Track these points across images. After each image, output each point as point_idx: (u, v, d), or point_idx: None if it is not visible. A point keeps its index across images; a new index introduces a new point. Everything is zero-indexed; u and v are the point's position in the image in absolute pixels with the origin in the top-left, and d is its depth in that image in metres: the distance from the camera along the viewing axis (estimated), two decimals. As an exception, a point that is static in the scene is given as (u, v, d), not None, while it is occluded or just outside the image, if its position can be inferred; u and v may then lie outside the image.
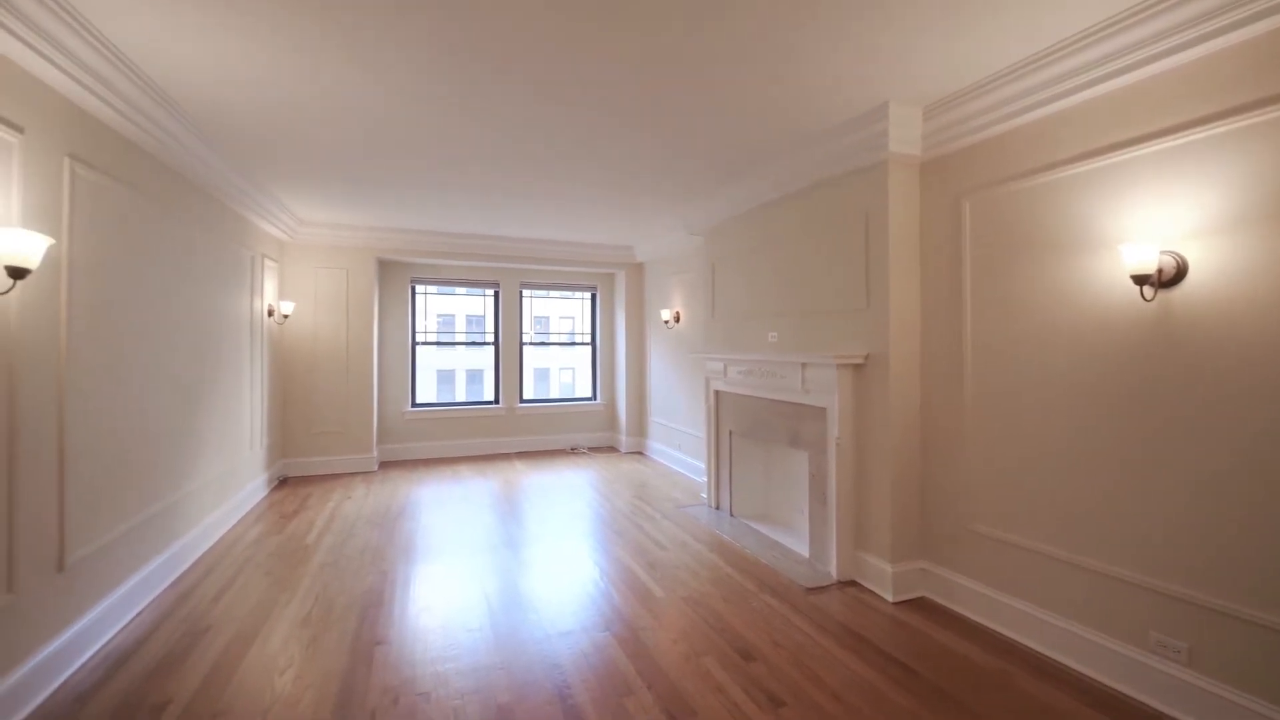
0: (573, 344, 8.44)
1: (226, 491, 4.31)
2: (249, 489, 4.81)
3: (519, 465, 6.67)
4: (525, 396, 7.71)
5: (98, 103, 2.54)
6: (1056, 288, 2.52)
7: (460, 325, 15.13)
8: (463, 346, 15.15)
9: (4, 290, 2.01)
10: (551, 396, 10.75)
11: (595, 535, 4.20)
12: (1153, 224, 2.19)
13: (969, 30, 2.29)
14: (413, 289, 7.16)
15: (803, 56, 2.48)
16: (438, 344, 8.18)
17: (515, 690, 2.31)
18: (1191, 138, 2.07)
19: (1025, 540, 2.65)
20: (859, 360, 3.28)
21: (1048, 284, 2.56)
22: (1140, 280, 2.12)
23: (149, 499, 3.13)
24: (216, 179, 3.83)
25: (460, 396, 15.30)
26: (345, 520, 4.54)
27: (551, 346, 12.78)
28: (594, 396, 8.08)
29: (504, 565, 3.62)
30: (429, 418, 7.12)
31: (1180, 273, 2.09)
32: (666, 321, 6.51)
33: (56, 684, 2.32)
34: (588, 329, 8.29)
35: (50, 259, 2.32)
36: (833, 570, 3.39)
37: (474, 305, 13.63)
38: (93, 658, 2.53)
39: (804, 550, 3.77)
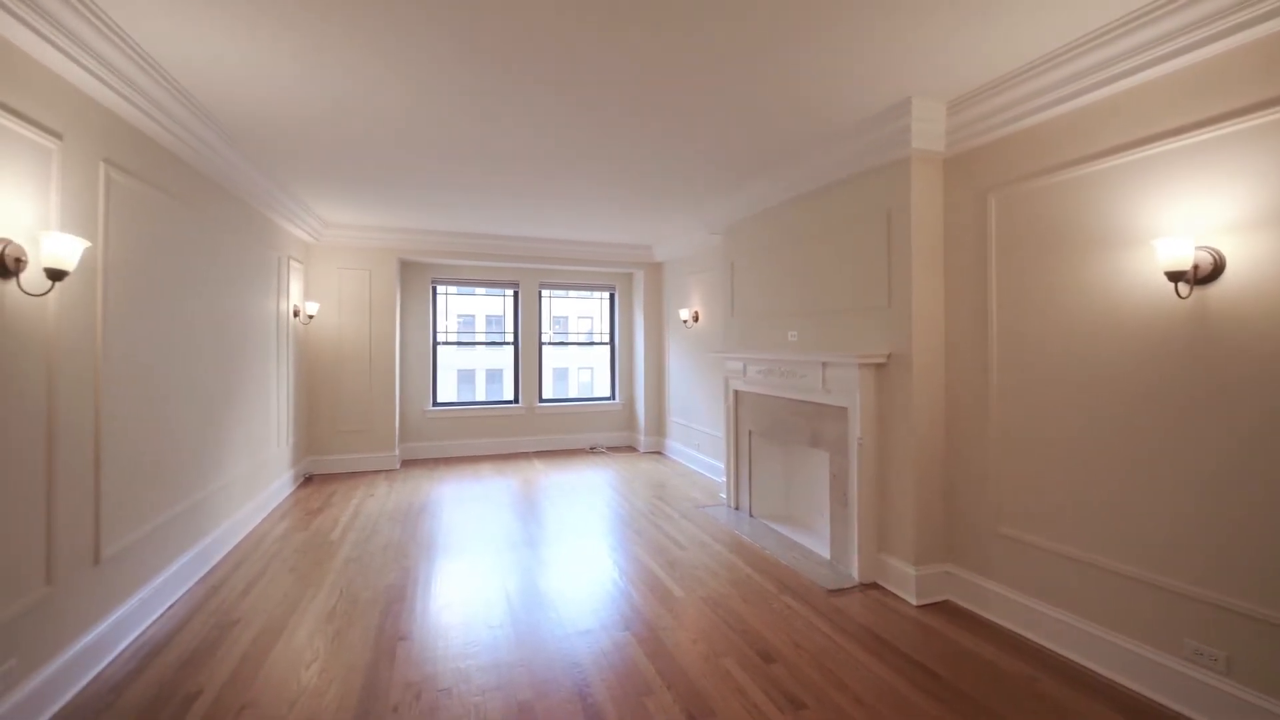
0: (591, 344, 8.47)
1: (254, 488, 4.41)
2: (275, 486, 4.91)
3: (538, 464, 6.71)
4: (544, 396, 7.75)
5: (132, 109, 2.62)
6: (1087, 284, 2.46)
7: (480, 325, 15.28)
8: (482, 346, 15.29)
9: (43, 292, 2.08)
10: (570, 396, 10.79)
11: (614, 534, 4.21)
12: (1188, 218, 2.12)
13: (998, 21, 2.24)
14: (433, 289, 7.25)
15: (825, 52, 2.46)
16: (458, 344, 8.27)
17: (536, 688, 2.32)
18: (1230, 129, 2.00)
19: (1054, 544, 2.58)
20: (881, 359, 3.24)
21: (1078, 280, 2.49)
22: (1175, 276, 2.05)
23: (180, 495, 3.22)
24: (244, 183, 3.92)
25: (480, 396, 15.46)
26: (368, 517, 4.61)
27: (570, 346, 12.83)
28: (613, 396, 8.10)
29: (524, 563, 3.65)
30: (450, 417, 7.20)
31: (1217, 268, 2.02)
32: (685, 321, 6.49)
33: (93, 674, 2.40)
34: (606, 329, 8.31)
35: (86, 261, 2.39)
36: (854, 572, 3.35)
37: (493, 305, 13.74)
38: (127, 648, 2.61)
39: (825, 552, 3.73)
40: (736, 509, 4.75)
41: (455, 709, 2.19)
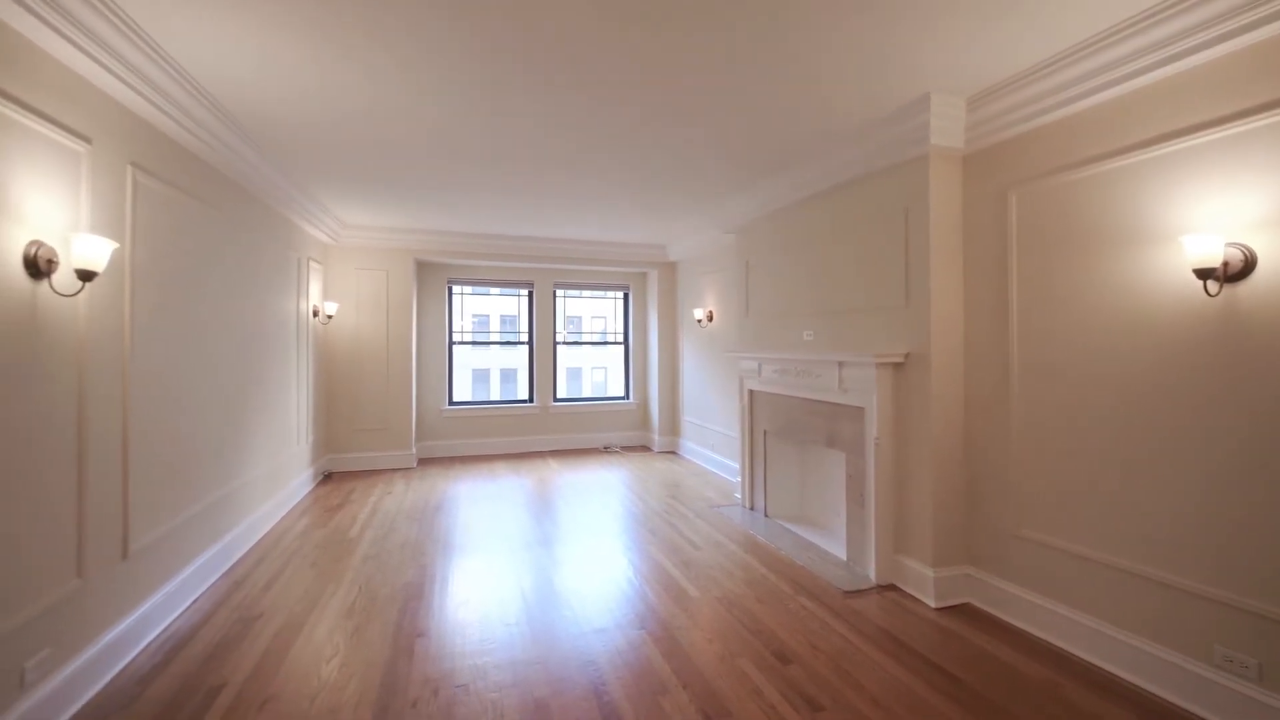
0: (605, 343, 8.48)
1: (275, 485, 4.48)
2: (295, 483, 4.99)
3: (553, 463, 6.74)
4: (559, 396, 7.78)
5: (157, 113, 2.67)
6: (1111, 282, 2.41)
7: (495, 325, 15.38)
8: (497, 346, 15.38)
9: (74, 292, 2.13)
10: (584, 396, 10.83)
11: (629, 533, 4.21)
12: (1217, 214, 2.07)
13: (1021, 13, 2.20)
14: (449, 289, 7.31)
15: (844, 49, 2.43)
16: (473, 344, 8.33)
17: (552, 685, 2.34)
18: (1262, 122, 1.95)
19: (1077, 546, 2.54)
20: (898, 359, 3.20)
21: (1101, 278, 2.45)
22: (1204, 274, 2.01)
23: (204, 491, 3.28)
24: (266, 185, 3.99)
25: (495, 395, 15.56)
26: (386, 515, 4.66)
27: (584, 346, 12.86)
28: (627, 396, 8.11)
29: (539, 561, 3.67)
30: (465, 416, 7.25)
31: (1248, 266, 1.97)
32: (699, 320, 6.48)
33: (121, 665, 2.45)
34: (620, 328, 8.32)
35: (114, 262, 2.45)
36: (871, 574, 3.32)
37: (508, 305, 13.83)
38: (153, 641, 2.66)
39: (841, 553, 3.70)
40: (751, 509, 4.73)
41: (473, 705, 2.20)
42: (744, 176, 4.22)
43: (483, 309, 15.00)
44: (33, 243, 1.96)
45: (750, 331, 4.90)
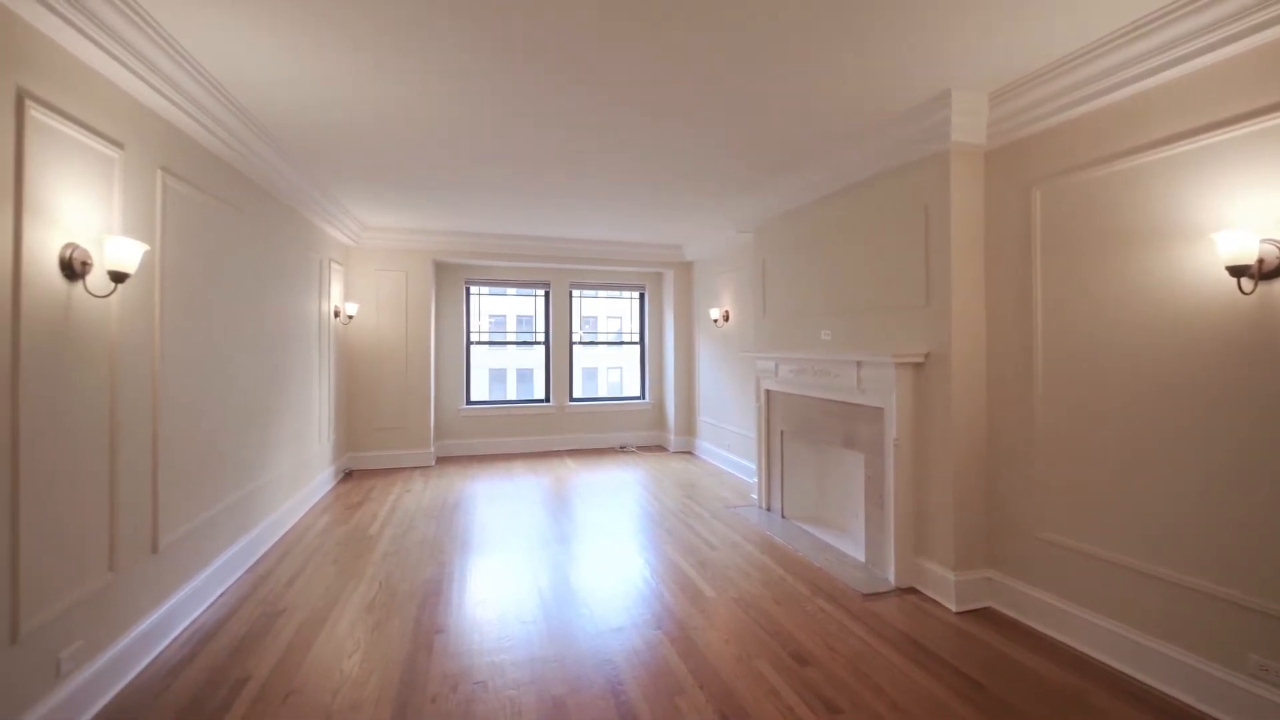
0: (621, 343, 8.49)
1: (297, 483, 4.56)
2: (317, 481, 5.08)
3: (569, 463, 6.77)
4: (575, 395, 7.81)
5: (186, 119, 2.74)
6: (1139, 279, 2.35)
7: (511, 325, 15.48)
8: (514, 346, 15.49)
9: (107, 293, 2.19)
10: (600, 395, 10.85)
11: (645, 533, 4.21)
12: (1251, 210, 2.01)
13: (1043, 4, 2.16)
14: (467, 290, 7.38)
15: (865, 46, 2.41)
16: (490, 343, 8.40)
17: (569, 683, 2.35)
18: (1299, 115, 1.89)
19: (1102, 550, 2.48)
20: (918, 359, 3.16)
21: (1129, 275, 2.39)
22: (1237, 271, 1.95)
23: (230, 488, 3.35)
24: (289, 188, 4.06)
25: (512, 395, 15.67)
26: (405, 513, 4.72)
27: (600, 346, 12.90)
28: (643, 395, 8.11)
29: (556, 560, 3.68)
30: (482, 415, 7.31)
31: (1285, 262, 1.92)
32: (715, 320, 6.46)
33: (151, 657, 2.52)
34: (636, 328, 8.33)
35: (145, 264, 2.51)
36: (890, 576, 3.28)
37: (524, 306, 13.91)
38: (182, 633, 2.73)
39: (859, 555, 3.67)
40: (768, 510, 4.70)
41: (491, 702, 2.22)
42: (761, 175, 4.20)
43: (499, 309, 15.11)
44: (68, 245, 2.02)
45: (767, 331, 4.87)
